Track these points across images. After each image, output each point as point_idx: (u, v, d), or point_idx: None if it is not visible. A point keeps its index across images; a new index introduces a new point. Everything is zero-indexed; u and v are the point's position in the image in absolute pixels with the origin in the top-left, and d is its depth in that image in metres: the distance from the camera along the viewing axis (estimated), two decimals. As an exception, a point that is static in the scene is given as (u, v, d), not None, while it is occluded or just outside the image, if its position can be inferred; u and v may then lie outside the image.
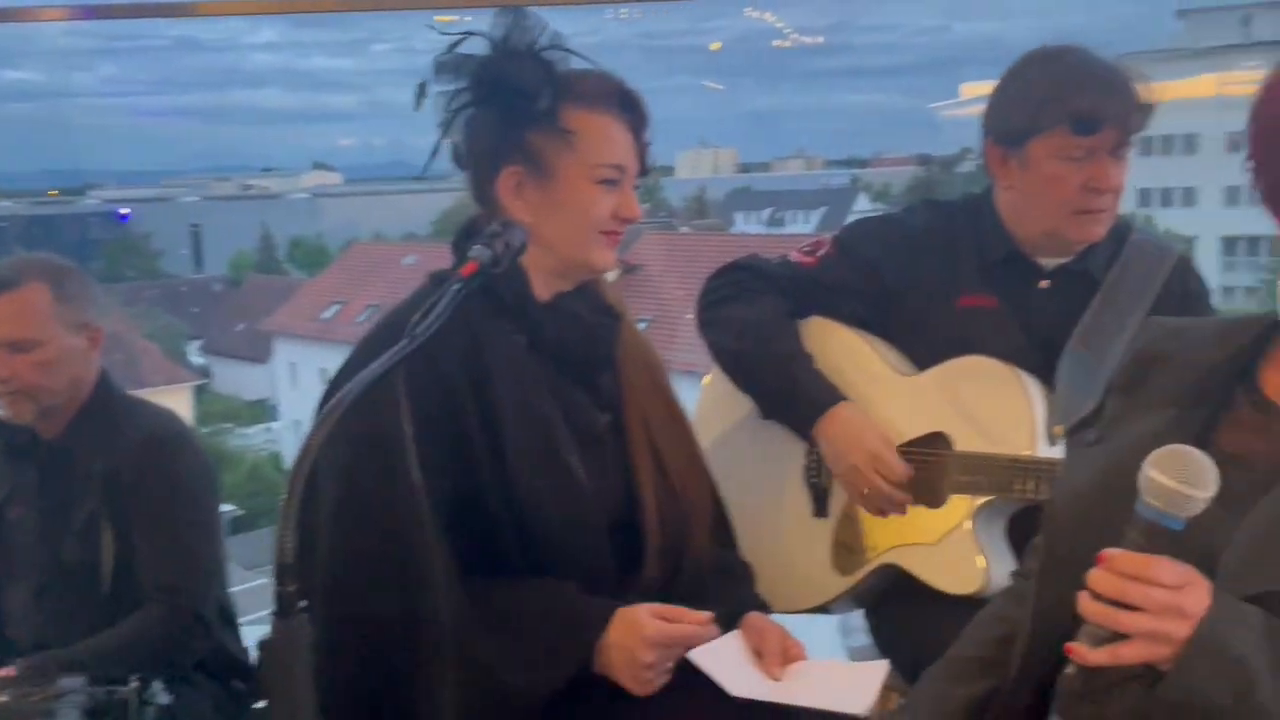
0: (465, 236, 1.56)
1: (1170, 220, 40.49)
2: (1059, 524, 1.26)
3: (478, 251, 1.30)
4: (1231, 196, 44.79)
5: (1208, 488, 1.05)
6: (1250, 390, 1.21)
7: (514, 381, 1.52)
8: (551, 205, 1.52)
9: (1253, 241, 43.47)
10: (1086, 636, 1.08)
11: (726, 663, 1.50)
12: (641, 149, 1.59)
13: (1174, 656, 1.04)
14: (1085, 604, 1.08)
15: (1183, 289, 1.92)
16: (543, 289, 1.57)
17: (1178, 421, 1.22)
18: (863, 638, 2.09)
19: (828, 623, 2.15)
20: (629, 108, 1.57)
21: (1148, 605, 1.04)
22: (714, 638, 1.51)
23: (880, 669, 1.53)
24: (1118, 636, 1.06)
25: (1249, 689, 1.02)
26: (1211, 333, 1.27)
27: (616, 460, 1.62)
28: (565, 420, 1.56)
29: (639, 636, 1.46)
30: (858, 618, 2.10)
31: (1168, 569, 1.05)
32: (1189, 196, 45.67)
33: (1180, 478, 1.05)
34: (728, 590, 1.65)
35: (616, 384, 1.65)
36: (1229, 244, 44.02)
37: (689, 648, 1.49)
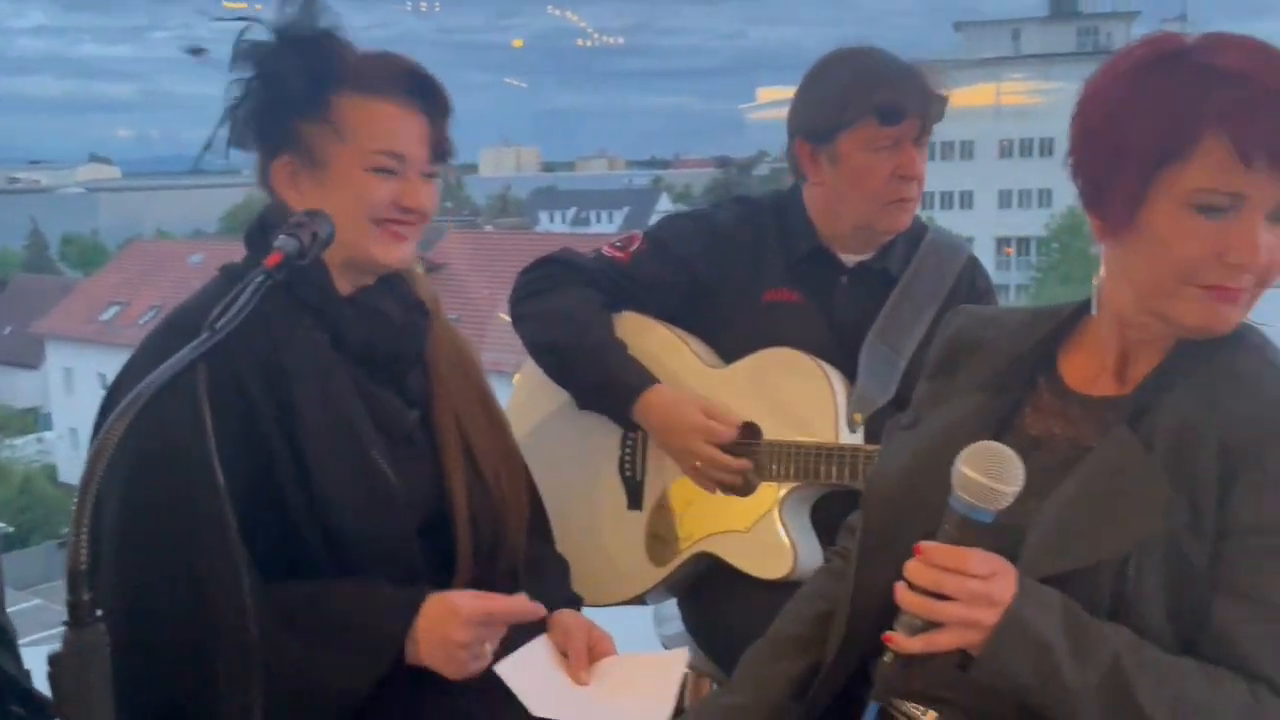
0: (259, 229, 1.50)
1: (950, 222, 43.08)
2: (875, 505, 1.31)
3: (283, 242, 1.24)
4: (1004, 200, 48.11)
5: (1014, 482, 1.11)
6: (1050, 377, 1.28)
7: (315, 380, 1.46)
8: (324, 195, 1.45)
9: (1023, 242, 46.80)
10: (903, 625, 1.13)
11: (532, 673, 1.48)
12: (436, 137, 1.52)
13: (983, 642, 1.10)
14: (902, 594, 1.13)
15: (971, 286, 2.03)
16: (344, 284, 1.52)
17: (985, 407, 1.28)
18: (677, 625, 2.12)
19: (642, 614, 2.18)
20: (418, 93, 1.51)
21: (960, 595, 1.10)
22: (532, 612, 1.49)
23: (680, 659, 1.54)
24: (932, 624, 1.11)
25: (1053, 670, 1.08)
26: (1018, 322, 1.34)
27: (427, 459, 1.59)
28: (371, 418, 1.51)
29: (453, 614, 1.43)
30: (671, 606, 2.13)
31: (978, 560, 1.11)
32: (967, 199, 48.72)
33: (989, 473, 1.11)
34: (541, 587, 1.64)
35: (427, 381, 1.62)
36: (1002, 244, 47.19)
37: (508, 623, 1.47)
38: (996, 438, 1.20)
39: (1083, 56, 48.41)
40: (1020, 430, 1.25)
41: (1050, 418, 1.25)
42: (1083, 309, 1.29)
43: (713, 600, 1.96)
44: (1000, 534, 1.14)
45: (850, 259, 2.01)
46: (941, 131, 1.94)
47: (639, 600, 2.05)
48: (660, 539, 2.00)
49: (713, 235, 2.03)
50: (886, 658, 1.15)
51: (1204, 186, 1.10)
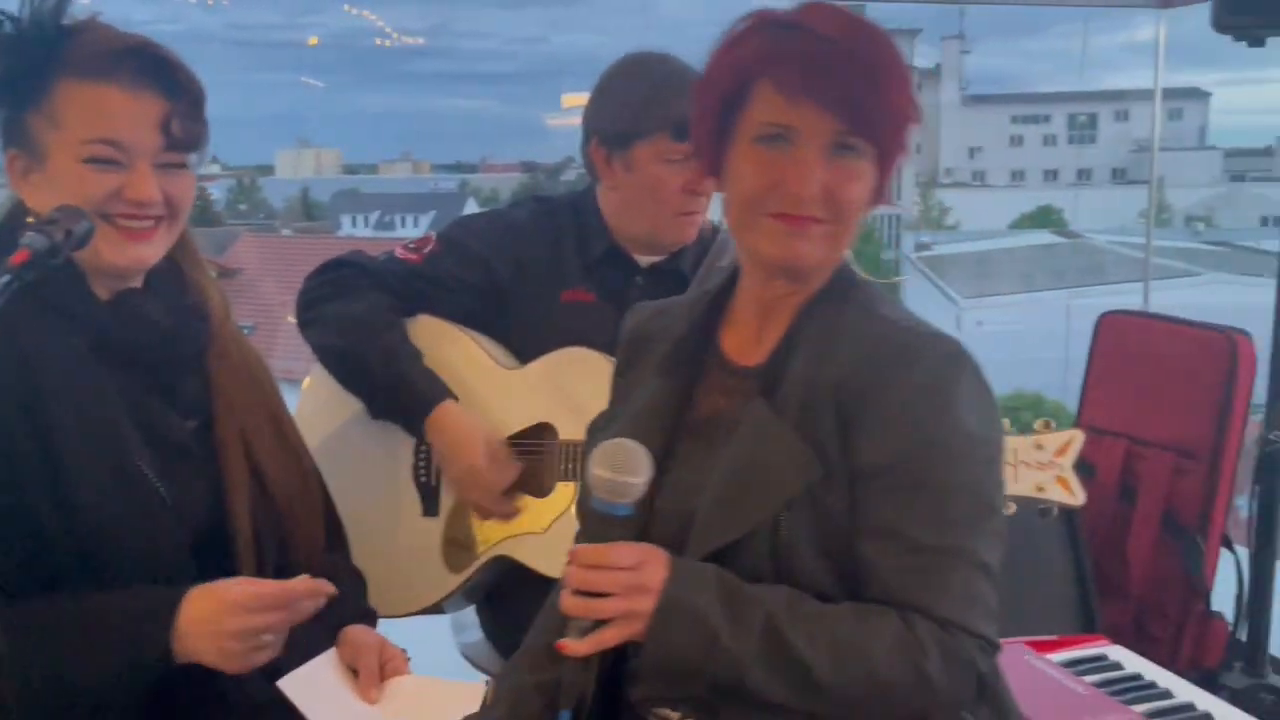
0: (4, 227, 1.39)
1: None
2: (585, 507, 1.33)
3: (31, 239, 1.15)
4: (800, 207, 49.88)
5: (641, 472, 1.16)
6: (715, 354, 1.33)
7: (70, 387, 1.36)
8: (50, 190, 1.35)
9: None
10: (573, 630, 1.16)
11: (319, 689, 1.42)
12: (176, 122, 1.39)
13: (646, 629, 1.14)
14: (564, 600, 1.16)
15: None
16: (100, 287, 1.42)
17: (660, 393, 1.32)
18: (476, 633, 2.09)
19: (440, 623, 2.13)
20: (149, 74, 1.38)
21: (614, 589, 1.14)
22: (314, 591, 1.42)
23: (477, 692, 1.49)
24: (600, 623, 1.15)
25: (713, 640, 1.13)
26: (683, 307, 1.39)
27: (206, 471, 1.50)
28: (137, 426, 1.41)
29: (221, 602, 1.35)
30: (470, 614, 2.10)
31: (624, 552, 1.16)
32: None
33: (615, 468, 1.16)
34: (334, 601, 1.58)
35: (207, 391, 1.53)
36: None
37: (287, 605, 1.39)
38: (677, 420, 1.27)
39: (871, 70, 50.59)
40: (696, 410, 1.30)
41: (718, 394, 1.30)
42: (734, 281, 1.34)
43: (511, 605, 1.94)
44: (675, 517, 1.20)
45: (645, 260, 2.02)
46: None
47: (436, 609, 2.00)
48: (457, 544, 1.97)
49: (510, 234, 2.01)
50: (568, 663, 1.18)
51: (759, 120, 1.19)
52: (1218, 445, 2.46)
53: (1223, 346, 2.46)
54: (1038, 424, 1.49)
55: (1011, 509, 1.47)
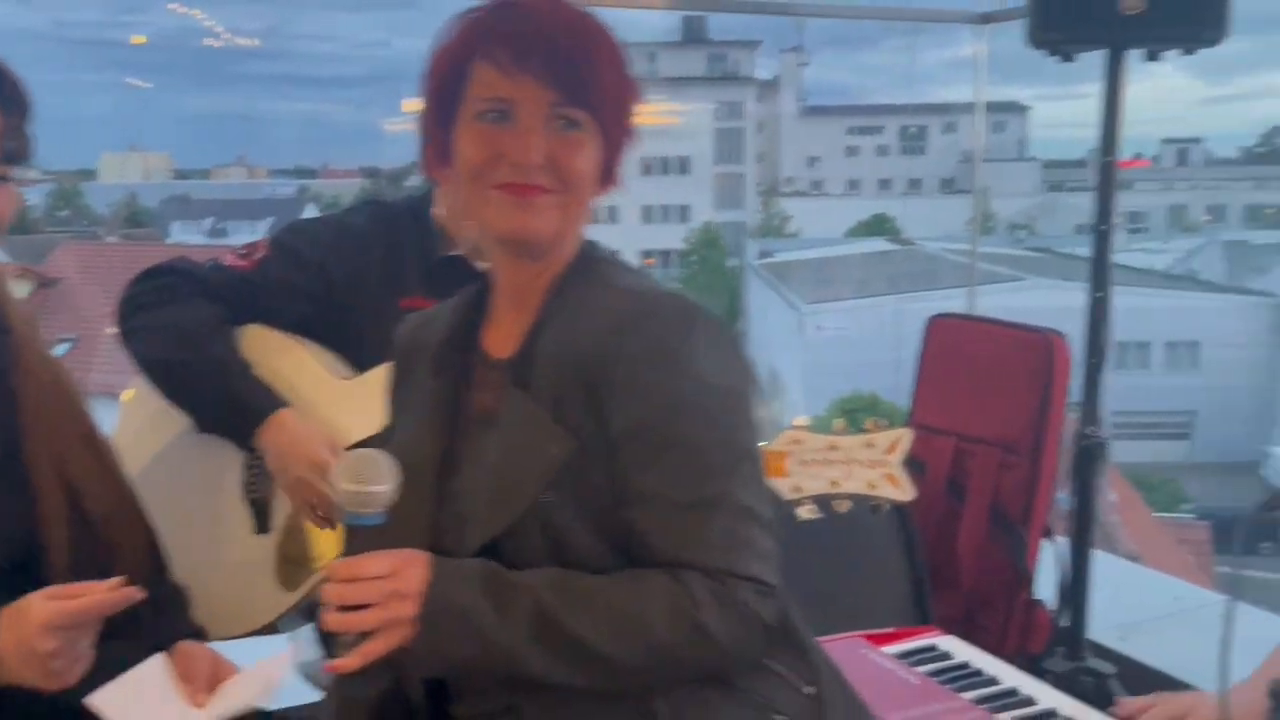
0: None
1: (598, 236, 44.61)
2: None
3: None
4: (647, 215, 50.48)
5: (385, 480, 1.16)
6: (477, 352, 1.34)
7: None
8: None
9: (664, 254, 49.30)
10: (341, 646, 1.15)
11: (141, 701, 1.35)
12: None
13: (414, 634, 1.13)
14: (327, 618, 1.15)
15: None
16: None
17: (430, 398, 1.32)
18: (314, 651, 2.02)
19: (275, 644, 2.05)
20: None
21: (372, 599, 1.13)
22: (123, 599, 1.34)
23: (282, 661, 1.48)
24: (365, 636, 1.13)
25: (482, 633, 1.13)
26: (446, 310, 1.39)
27: (13, 495, 1.41)
28: None
29: (31, 626, 1.27)
30: (307, 632, 2.03)
31: (377, 562, 1.15)
32: (612, 214, 50.66)
33: (359, 479, 1.15)
34: (158, 621, 1.51)
35: (11, 410, 1.43)
36: (644, 256, 49.50)
37: (100, 617, 1.32)
38: (454, 423, 1.27)
39: (713, 80, 51.71)
40: (471, 413, 1.31)
41: (488, 392, 1.30)
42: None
43: (351, 621, 1.88)
44: (455, 519, 1.21)
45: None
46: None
47: (270, 629, 1.93)
48: (292, 561, 1.90)
49: (346, 239, 1.96)
50: (343, 681, 1.18)
51: (477, 97, 1.22)
52: (1038, 441, 2.58)
53: (1041, 347, 2.59)
54: (868, 423, 1.53)
55: (846, 505, 1.52)
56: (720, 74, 52.71)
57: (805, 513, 1.51)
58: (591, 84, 1.21)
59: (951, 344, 2.82)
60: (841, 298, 29.63)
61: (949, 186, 55.20)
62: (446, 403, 1.30)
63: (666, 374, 1.17)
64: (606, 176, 1.27)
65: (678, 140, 46.23)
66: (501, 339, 1.31)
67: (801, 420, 1.54)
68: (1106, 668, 2.44)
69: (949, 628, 2.71)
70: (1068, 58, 2.34)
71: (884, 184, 56.57)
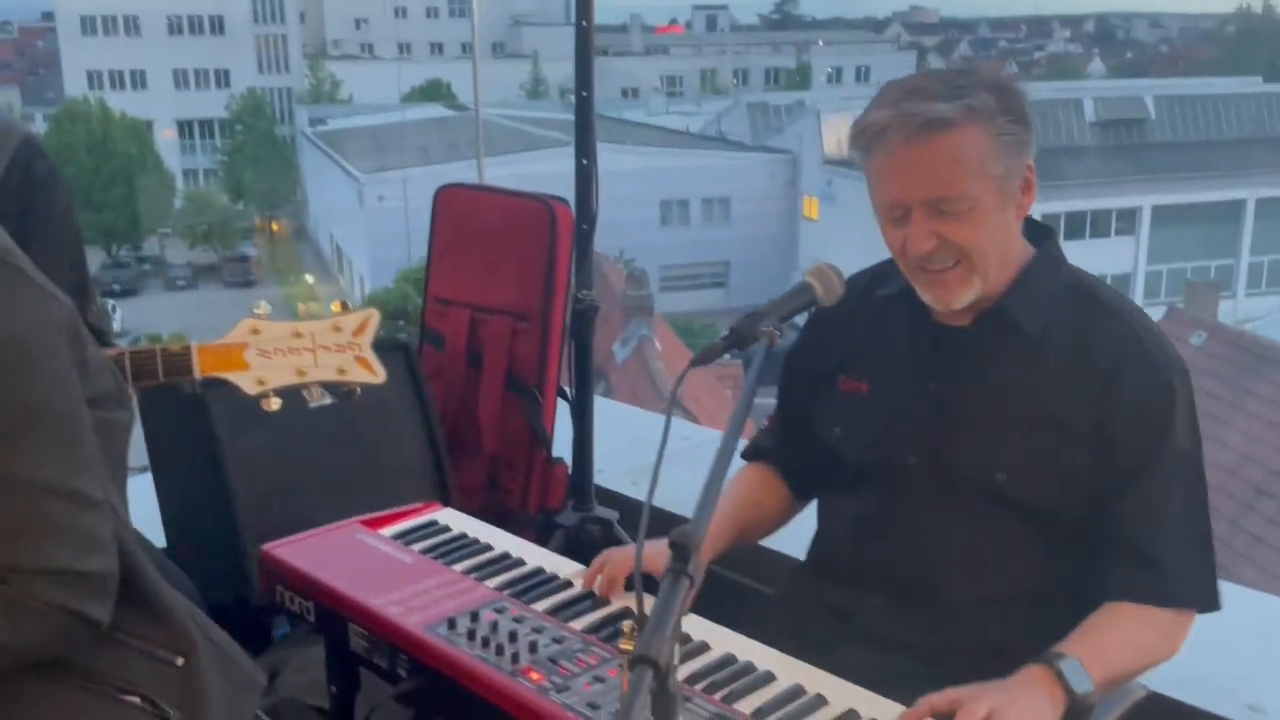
0: None
1: (124, 103, 40.14)
2: None
3: None
4: (180, 80, 46.06)
5: None
6: None
7: None
8: None
9: (205, 125, 45.45)
10: None
11: None
12: None
13: None
14: None
15: (27, 172, 1.82)
16: None
17: None
18: None
19: None
20: None
21: None
22: None
23: None
24: None
25: None
26: None
27: None
28: None
29: None
30: None
31: None
32: (139, 79, 45.71)
33: None
34: None
35: None
36: (184, 127, 45.36)
37: None
38: None
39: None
40: None
41: None
42: None
43: None
44: None
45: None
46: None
47: None
48: None
49: None
50: None
51: None
52: (547, 307, 2.65)
53: (543, 215, 2.64)
54: (335, 305, 1.46)
55: (318, 394, 1.45)
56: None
57: (271, 406, 1.42)
58: None
59: (460, 215, 2.80)
60: (401, 166, 29.03)
61: (500, 50, 55.31)
62: None
63: None
64: None
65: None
66: None
67: (261, 308, 1.44)
68: (610, 514, 2.62)
69: (475, 494, 2.78)
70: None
71: (435, 48, 55.54)
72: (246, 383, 1.42)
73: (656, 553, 1.55)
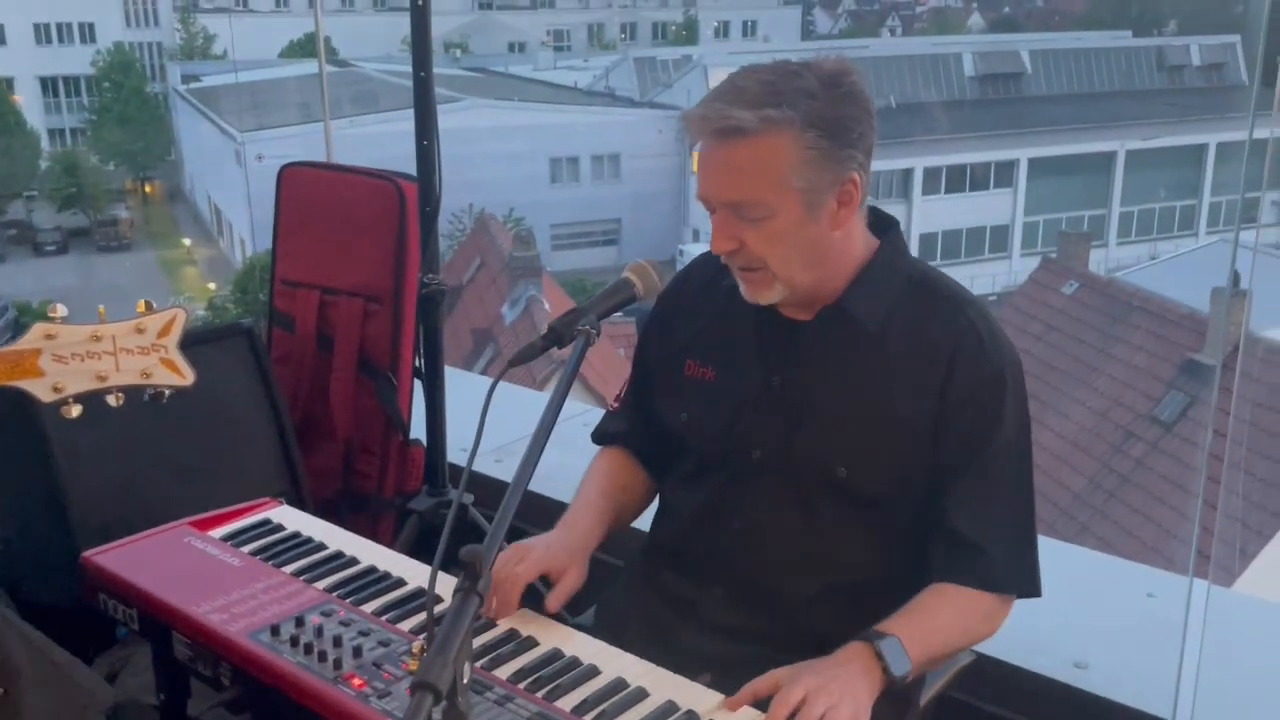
0: None
1: (-18, 60, 38.08)
2: None
3: None
4: (41, 34, 43.78)
5: None
6: None
7: None
8: None
9: (71, 81, 43.35)
10: None
11: None
12: None
13: None
14: None
15: None
16: None
17: None
18: None
19: None
20: None
21: None
22: None
23: None
24: None
25: None
26: None
27: None
28: None
29: None
30: None
31: None
32: (-3, 34, 43.30)
33: None
34: None
35: None
36: (47, 84, 43.21)
37: None
38: None
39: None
40: None
41: None
42: None
43: None
44: None
45: None
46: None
47: None
48: None
49: None
50: None
51: None
52: (398, 287, 2.61)
53: (391, 194, 2.59)
54: (139, 305, 1.40)
55: (120, 399, 1.39)
56: None
57: (71, 413, 1.36)
58: None
59: (306, 194, 2.73)
60: (283, 124, 28.13)
61: (381, 3, 53.85)
62: None
63: None
64: None
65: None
66: None
67: (58, 310, 1.38)
68: (465, 497, 2.60)
69: (330, 479, 2.73)
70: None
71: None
72: (42, 390, 1.36)
73: (551, 555, 1.54)
